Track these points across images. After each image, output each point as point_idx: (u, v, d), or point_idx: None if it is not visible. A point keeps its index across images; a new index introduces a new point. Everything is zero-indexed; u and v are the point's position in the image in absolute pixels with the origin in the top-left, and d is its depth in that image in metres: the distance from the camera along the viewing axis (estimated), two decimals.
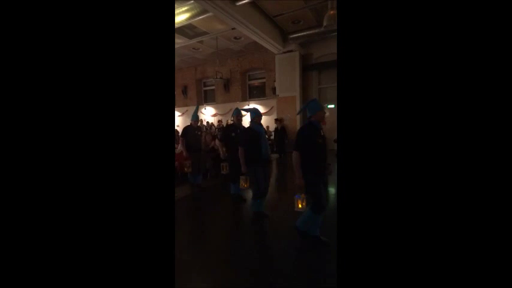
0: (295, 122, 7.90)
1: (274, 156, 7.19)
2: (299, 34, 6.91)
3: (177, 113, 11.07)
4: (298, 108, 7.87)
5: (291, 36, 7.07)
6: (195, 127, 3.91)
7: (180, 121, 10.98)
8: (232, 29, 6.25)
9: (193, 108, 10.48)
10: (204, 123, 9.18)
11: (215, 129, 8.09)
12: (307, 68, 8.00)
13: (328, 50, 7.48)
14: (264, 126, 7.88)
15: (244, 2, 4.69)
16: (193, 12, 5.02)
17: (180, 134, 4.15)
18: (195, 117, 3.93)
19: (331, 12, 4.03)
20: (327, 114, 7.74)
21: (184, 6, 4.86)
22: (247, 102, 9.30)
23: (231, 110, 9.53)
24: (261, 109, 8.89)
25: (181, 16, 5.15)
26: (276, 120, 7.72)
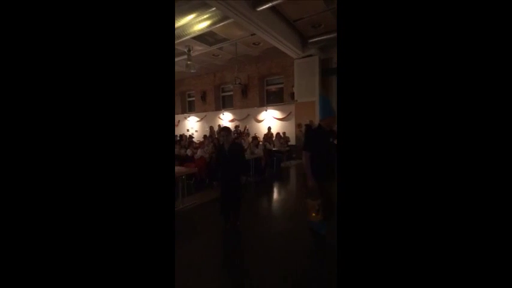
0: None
1: (294, 162, 7.01)
2: (319, 38, 6.77)
3: (195, 118, 11.29)
4: (317, 113, 7.67)
5: (311, 40, 6.95)
6: (327, 131, 2.09)
7: (198, 126, 11.18)
8: (252, 34, 6.27)
9: (212, 114, 10.60)
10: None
11: (233, 134, 8.08)
12: (327, 72, 7.81)
13: None
14: (281, 131, 7.89)
15: (264, 7, 4.67)
16: (214, 19, 5.09)
17: (304, 142, 2.22)
18: (329, 112, 2.09)
19: None
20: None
21: (205, 13, 4.94)
22: (264, 107, 9.25)
23: (248, 115, 9.54)
24: (279, 115, 8.79)
25: (202, 23, 5.24)
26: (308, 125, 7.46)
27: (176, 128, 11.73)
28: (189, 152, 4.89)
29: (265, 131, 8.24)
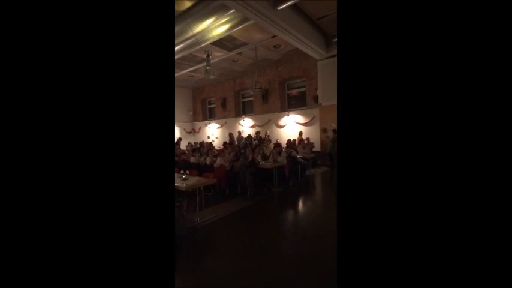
0: None
1: (319, 170, 6.51)
2: None
3: (216, 125, 11.26)
4: None
5: (335, 39, 6.50)
6: None
7: (219, 133, 11.11)
8: (272, 37, 6.01)
9: (233, 120, 10.48)
10: (243, 134, 9.01)
11: (254, 140, 7.79)
12: None
13: None
14: (304, 137, 7.45)
15: (285, 5, 4.38)
16: (233, 22, 4.91)
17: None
18: None
19: None
20: None
21: (224, 17, 4.78)
22: (286, 112, 8.88)
23: (269, 121, 9.24)
24: (301, 119, 8.36)
25: (221, 28, 5.09)
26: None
27: (197, 135, 11.81)
28: (208, 160, 4.66)
29: (288, 136, 7.84)
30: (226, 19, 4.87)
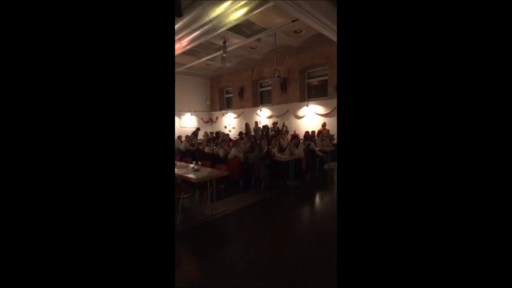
0: None
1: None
2: None
3: (233, 115, 11.15)
4: None
5: None
6: None
7: (236, 123, 11.01)
8: (293, 21, 5.62)
9: (250, 110, 10.33)
10: (260, 125, 8.80)
11: (271, 131, 7.56)
12: None
13: None
14: (325, 129, 7.07)
15: None
16: (251, 5, 4.61)
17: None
18: None
19: None
20: None
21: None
22: (305, 102, 8.49)
23: (287, 111, 8.91)
24: (322, 110, 7.94)
25: (238, 11, 4.82)
26: None
27: (214, 125, 11.81)
28: (221, 152, 4.55)
29: (307, 128, 7.50)
30: (244, 2, 4.58)
